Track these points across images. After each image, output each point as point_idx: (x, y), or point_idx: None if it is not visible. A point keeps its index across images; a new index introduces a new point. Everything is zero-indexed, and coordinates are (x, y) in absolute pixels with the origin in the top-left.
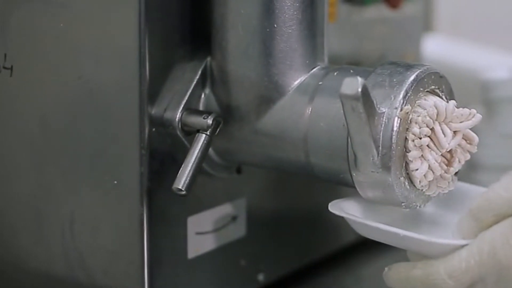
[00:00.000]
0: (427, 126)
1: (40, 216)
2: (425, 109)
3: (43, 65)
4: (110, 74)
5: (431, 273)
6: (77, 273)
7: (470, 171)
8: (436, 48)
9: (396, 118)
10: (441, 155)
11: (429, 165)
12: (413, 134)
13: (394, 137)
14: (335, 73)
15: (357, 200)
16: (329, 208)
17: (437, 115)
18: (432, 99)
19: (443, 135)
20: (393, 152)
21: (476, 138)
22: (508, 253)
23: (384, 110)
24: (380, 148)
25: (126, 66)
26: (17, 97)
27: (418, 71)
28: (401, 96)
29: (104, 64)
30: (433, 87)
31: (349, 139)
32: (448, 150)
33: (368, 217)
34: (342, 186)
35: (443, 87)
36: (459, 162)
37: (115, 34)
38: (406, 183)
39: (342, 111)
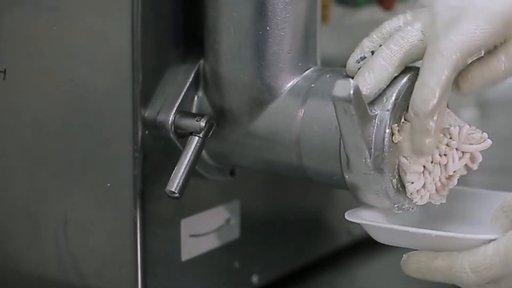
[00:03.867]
0: (439, 154)
1: (33, 219)
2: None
3: (36, 68)
4: (103, 77)
5: (454, 266)
6: (71, 275)
7: None
8: None
9: (388, 120)
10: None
11: (424, 183)
12: None
13: (386, 139)
14: (328, 75)
15: (370, 209)
16: (346, 217)
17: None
18: (447, 121)
19: (452, 160)
20: (386, 154)
21: (480, 158)
22: None
23: (376, 112)
24: (373, 150)
25: (119, 69)
26: (10, 100)
27: (410, 73)
28: (393, 98)
29: (97, 66)
30: None
31: (341, 141)
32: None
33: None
34: (335, 188)
35: None
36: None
37: (108, 37)
38: (399, 186)
39: (334, 113)
